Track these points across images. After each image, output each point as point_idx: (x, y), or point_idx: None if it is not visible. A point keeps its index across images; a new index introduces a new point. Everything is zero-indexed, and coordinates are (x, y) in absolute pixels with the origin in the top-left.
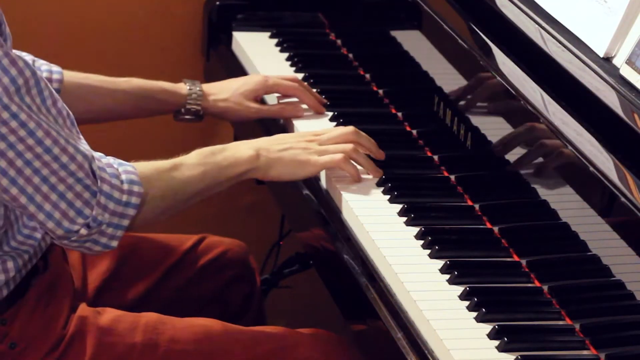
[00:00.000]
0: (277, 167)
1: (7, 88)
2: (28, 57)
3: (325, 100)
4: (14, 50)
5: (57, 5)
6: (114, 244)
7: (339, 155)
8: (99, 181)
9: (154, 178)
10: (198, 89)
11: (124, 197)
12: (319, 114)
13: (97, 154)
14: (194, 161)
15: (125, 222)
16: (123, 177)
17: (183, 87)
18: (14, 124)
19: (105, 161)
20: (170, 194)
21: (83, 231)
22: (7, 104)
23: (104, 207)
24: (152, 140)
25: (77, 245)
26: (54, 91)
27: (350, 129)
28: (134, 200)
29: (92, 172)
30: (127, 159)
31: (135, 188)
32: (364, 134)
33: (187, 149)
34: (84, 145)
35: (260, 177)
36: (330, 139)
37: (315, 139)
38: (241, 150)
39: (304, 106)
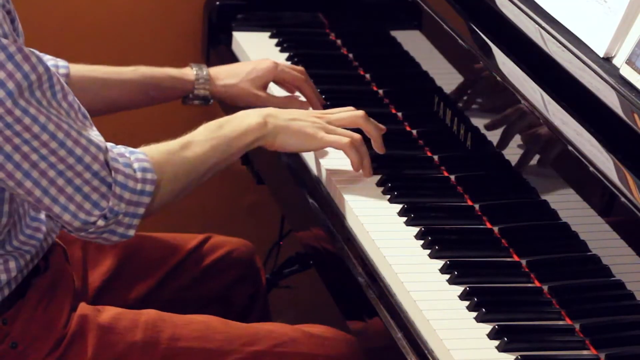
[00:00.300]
0: (284, 136)
1: (20, 84)
2: None
3: (324, 101)
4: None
5: (57, 6)
6: (131, 232)
7: (346, 139)
8: (112, 172)
9: (166, 162)
10: (205, 73)
11: (139, 186)
12: (316, 103)
13: (108, 145)
14: (203, 137)
15: (141, 210)
16: (135, 165)
17: (190, 73)
18: (27, 120)
19: (117, 151)
20: (184, 174)
21: (100, 222)
22: (17, 100)
23: (120, 198)
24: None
25: (94, 237)
26: (65, 85)
27: (360, 112)
28: (148, 188)
29: (107, 163)
30: (133, 144)
31: (149, 175)
32: (373, 120)
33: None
34: (98, 137)
35: (267, 145)
36: (340, 119)
37: (324, 117)
38: (248, 118)
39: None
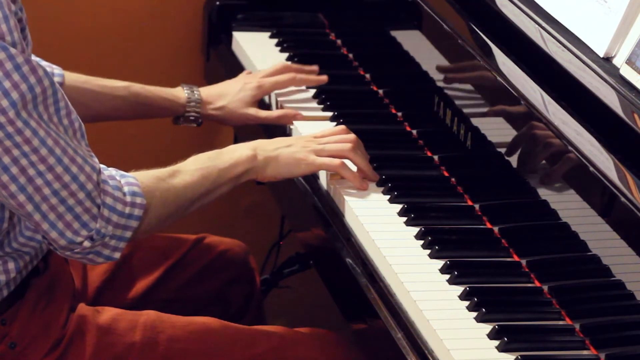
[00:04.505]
0: (275, 165)
1: (25, 95)
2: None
3: (317, 68)
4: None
5: (58, 6)
6: (117, 255)
7: (337, 162)
8: (102, 194)
9: (155, 188)
10: (196, 96)
11: (127, 209)
12: (320, 82)
13: (101, 166)
14: (192, 167)
15: (128, 234)
16: (125, 189)
17: (182, 95)
18: (28, 133)
19: (108, 173)
20: (172, 201)
21: (87, 243)
22: (20, 112)
23: (107, 220)
24: (152, 141)
25: (80, 257)
26: (69, 103)
27: (348, 145)
28: (137, 212)
29: (98, 184)
30: (128, 160)
31: (138, 200)
32: (362, 150)
33: (188, 148)
34: (92, 158)
35: (259, 176)
36: (328, 151)
37: (315, 140)
38: (238, 151)
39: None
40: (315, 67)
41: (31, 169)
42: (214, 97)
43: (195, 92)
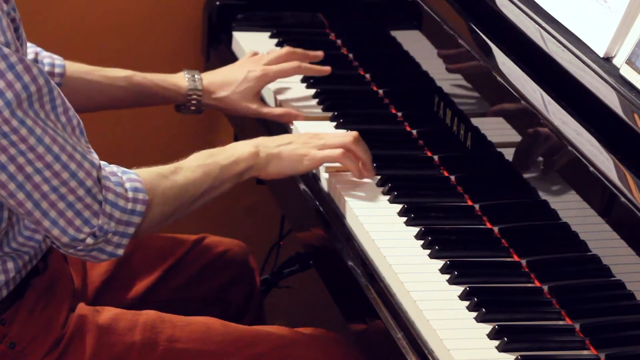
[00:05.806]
0: (277, 162)
1: (19, 94)
2: (31, 49)
3: (322, 54)
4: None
5: (58, 6)
6: (120, 252)
7: (338, 151)
8: (103, 190)
9: (157, 184)
10: (197, 85)
11: (129, 205)
12: (323, 73)
13: (102, 163)
14: (195, 163)
15: (131, 230)
16: (127, 185)
17: (183, 84)
18: (23, 131)
19: (109, 169)
20: (174, 198)
21: (89, 240)
22: (15, 111)
23: (110, 216)
24: (151, 139)
25: (83, 255)
26: (65, 100)
27: (350, 138)
28: (139, 207)
29: (99, 181)
30: (128, 158)
31: (140, 196)
32: (363, 144)
33: (187, 146)
34: (92, 154)
35: (261, 174)
36: (330, 145)
37: (316, 137)
38: (241, 148)
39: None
40: (320, 53)
41: (29, 167)
42: (216, 86)
43: (196, 79)
